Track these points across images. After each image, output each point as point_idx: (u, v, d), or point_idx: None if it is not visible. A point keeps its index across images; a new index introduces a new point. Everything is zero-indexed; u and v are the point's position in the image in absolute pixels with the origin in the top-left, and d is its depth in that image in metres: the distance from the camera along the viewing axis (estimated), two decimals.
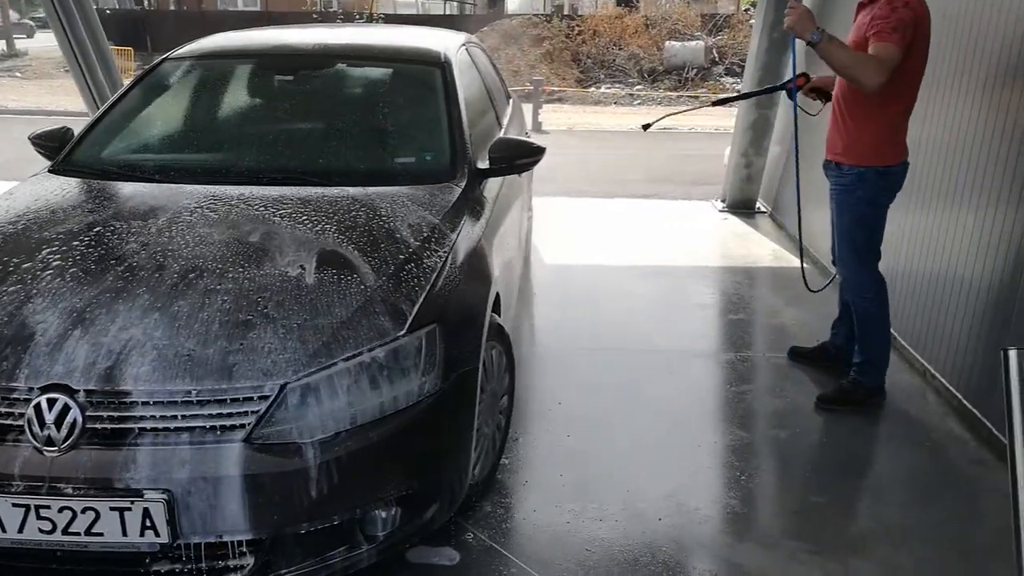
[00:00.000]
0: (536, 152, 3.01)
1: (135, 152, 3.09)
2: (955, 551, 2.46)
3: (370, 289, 2.14)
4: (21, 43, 23.86)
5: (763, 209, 6.51)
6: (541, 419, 3.19)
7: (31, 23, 30.84)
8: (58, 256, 2.21)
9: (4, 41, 24.21)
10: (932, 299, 3.45)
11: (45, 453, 1.84)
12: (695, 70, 17.85)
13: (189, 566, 1.90)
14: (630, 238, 5.85)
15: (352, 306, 2.08)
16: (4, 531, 1.85)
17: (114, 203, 2.62)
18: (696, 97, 16.78)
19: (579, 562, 2.36)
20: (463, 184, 2.79)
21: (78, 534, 1.85)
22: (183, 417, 1.87)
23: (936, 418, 3.21)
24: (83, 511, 1.84)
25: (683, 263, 5.26)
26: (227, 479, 1.86)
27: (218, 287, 2.08)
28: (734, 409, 3.31)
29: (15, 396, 1.88)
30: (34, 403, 1.86)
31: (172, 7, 27.66)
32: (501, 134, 3.71)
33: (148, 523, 1.85)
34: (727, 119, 11.72)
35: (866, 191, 3.03)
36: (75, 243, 2.29)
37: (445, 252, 2.38)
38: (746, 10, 19.48)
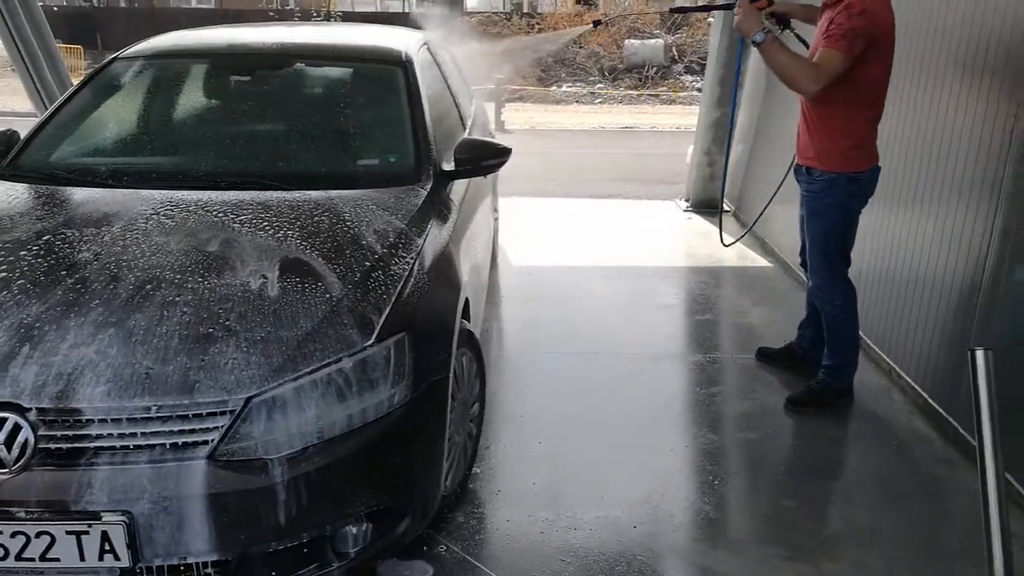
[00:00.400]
0: (502, 153, 2.97)
1: (86, 156, 2.97)
2: (924, 551, 2.47)
3: (335, 298, 2.08)
4: None
5: (727, 208, 6.54)
6: (511, 425, 3.14)
7: None
8: (4, 267, 2.11)
9: None
10: (897, 299, 3.48)
11: None
12: (655, 68, 17.96)
13: None
14: (595, 238, 5.83)
15: (317, 316, 2.01)
16: None
17: (64, 210, 2.51)
18: (657, 96, 16.90)
19: (554, 572, 2.32)
20: (428, 187, 2.74)
21: (32, 560, 1.77)
22: (142, 435, 1.79)
23: (903, 417, 3.24)
24: (37, 535, 1.76)
25: (649, 263, 5.26)
26: (190, 498, 1.78)
27: (177, 299, 2.00)
28: (704, 412, 3.30)
29: None
30: None
31: (123, 4, 26.98)
32: (466, 134, 3.65)
33: (107, 547, 1.77)
34: (689, 118, 11.82)
35: (837, 197, 3.02)
36: (23, 253, 2.18)
37: (412, 258, 2.33)
38: None
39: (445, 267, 2.50)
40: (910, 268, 3.39)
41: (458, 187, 3.00)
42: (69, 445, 1.78)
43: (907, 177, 3.45)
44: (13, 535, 1.75)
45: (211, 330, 1.92)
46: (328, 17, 19.78)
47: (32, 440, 1.76)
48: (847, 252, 3.14)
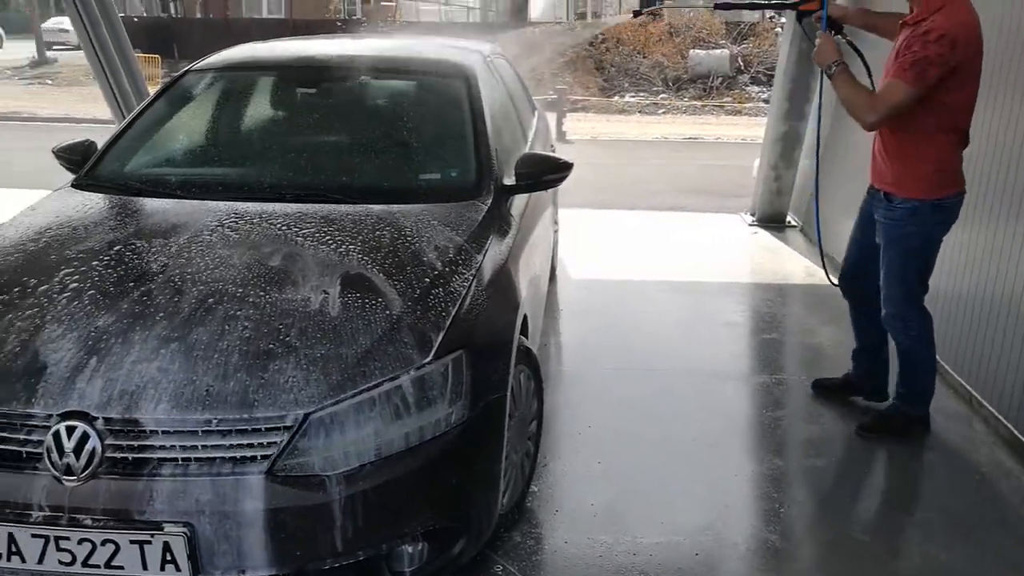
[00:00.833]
0: (563, 168, 2.93)
1: (157, 166, 3.04)
2: None
3: (395, 315, 2.07)
4: (51, 51, 24.09)
5: (794, 223, 6.38)
6: (571, 443, 3.09)
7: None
8: (76, 277, 2.16)
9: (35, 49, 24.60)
10: (978, 321, 3.31)
11: (64, 483, 1.78)
12: (720, 79, 17.69)
13: None
14: (657, 252, 5.74)
15: (376, 333, 2.00)
16: (24, 561, 1.81)
17: (135, 220, 2.57)
18: (722, 107, 16.64)
19: None
20: (489, 202, 2.71)
21: (98, 567, 1.80)
22: (203, 447, 1.81)
23: (984, 449, 3.08)
24: (103, 543, 1.78)
25: (712, 278, 5.14)
26: (249, 513, 1.79)
27: (238, 313, 2.01)
28: (769, 435, 3.19)
29: (33, 423, 1.83)
30: (53, 430, 1.80)
31: (199, 15, 27.92)
32: (527, 148, 3.63)
33: (168, 557, 1.79)
34: (755, 129, 11.60)
35: (920, 225, 2.86)
36: (95, 263, 2.23)
37: (471, 274, 2.30)
38: (771, 18, 19.30)
39: (504, 283, 2.47)
40: (991, 288, 3.22)
41: (518, 201, 2.97)
42: (134, 455, 1.80)
43: (986, 191, 3.28)
44: (80, 542, 1.78)
45: (271, 346, 1.93)
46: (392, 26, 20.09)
47: (99, 449, 1.79)
48: (926, 280, 2.97)
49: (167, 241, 2.37)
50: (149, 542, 1.78)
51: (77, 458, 1.78)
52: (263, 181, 2.82)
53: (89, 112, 14.40)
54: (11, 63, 24.64)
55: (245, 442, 1.82)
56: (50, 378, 1.85)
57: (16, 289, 2.14)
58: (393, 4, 25.70)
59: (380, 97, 3.41)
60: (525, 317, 2.60)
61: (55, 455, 1.78)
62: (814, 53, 2.97)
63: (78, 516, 1.77)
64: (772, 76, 10.51)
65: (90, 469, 1.78)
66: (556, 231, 4.98)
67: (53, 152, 3.07)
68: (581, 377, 3.72)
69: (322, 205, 2.62)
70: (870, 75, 3.00)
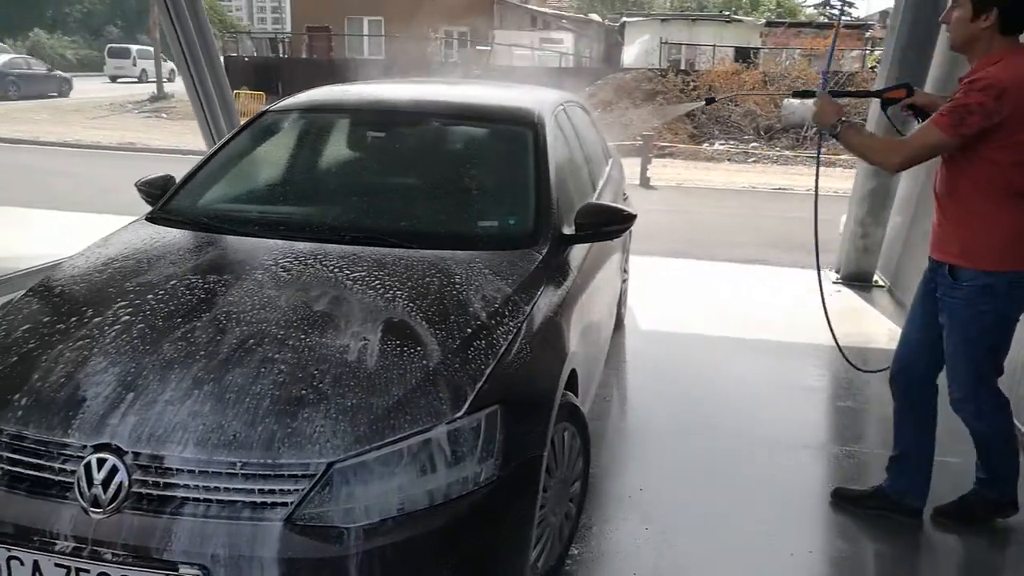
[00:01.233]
0: (626, 219, 2.85)
1: (225, 203, 3.12)
2: None
3: (431, 366, 2.02)
4: (169, 86, 25.68)
5: (881, 283, 6.07)
6: (620, 505, 2.96)
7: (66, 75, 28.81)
8: (130, 310, 2.21)
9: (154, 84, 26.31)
10: None
11: (91, 514, 1.80)
12: (814, 129, 17.24)
13: None
14: (733, 306, 5.55)
15: (410, 383, 1.96)
16: None
17: (195, 256, 2.63)
18: (814, 157, 16.19)
19: None
20: (544, 251, 2.66)
21: None
22: (225, 490, 1.79)
23: None
24: None
25: (790, 338, 4.91)
26: (264, 560, 1.76)
27: (276, 356, 2.01)
28: (836, 514, 2.97)
29: (68, 452, 1.86)
30: (85, 461, 1.83)
31: (304, 55, 29.29)
32: (594, 197, 3.56)
33: None
34: (849, 181, 11.20)
35: (995, 304, 2.53)
36: (149, 296, 2.28)
37: (516, 326, 2.24)
38: (872, 68, 18.78)
39: (551, 336, 2.40)
40: None
41: (577, 251, 2.90)
42: (159, 492, 1.81)
43: None
44: None
45: (304, 392, 1.91)
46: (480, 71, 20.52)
47: (127, 483, 1.80)
48: (1000, 362, 2.65)
49: (221, 278, 2.41)
50: None
51: (105, 491, 1.80)
52: (323, 222, 2.85)
53: (197, 144, 15.21)
54: (134, 97, 26.41)
55: (267, 487, 1.80)
56: (87, 410, 1.88)
57: (73, 319, 2.21)
58: (488, 49, 26.32)
59: (446, 143, 3.42)
60: (573, 372, 2.52)
61: (84, 485, 1.81)
62: (813, 116, 2.78)
63: (100, 549, 1.78)
64: None
65: (116, 503, 1.79)
66: (625, 280, 4.88)
67: (136, 186, 3.20)
68: (639, 435, 3.59)
69: (377, 248, 2.61)
70: None
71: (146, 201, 3.15)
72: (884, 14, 29.00)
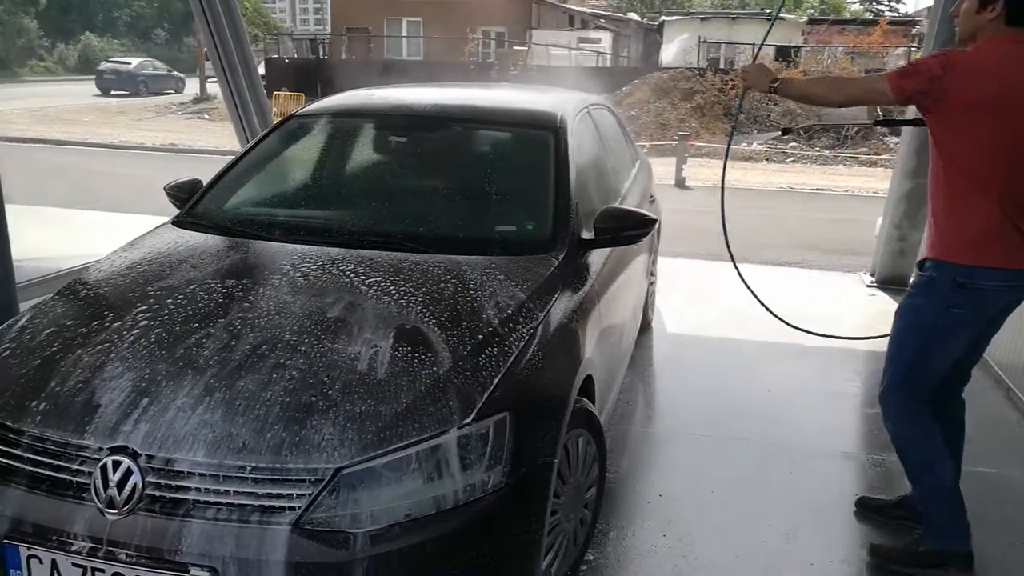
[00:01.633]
0: (646, 224, 2.83)
1: (249, 208, 3.16)
2: None
3: (441, 372, 2.03)
4: (212, 87, 26.16)
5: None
6: (639, 511, 2.94)
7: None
8: (149, 315, 2.25)
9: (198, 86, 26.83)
10: None
11: (106, 515, 1.84)
12: (856, 128, 16.92)
13: None
14: (764, 309, 5.45)
15: (419, 390, 1.97)
16: None
17: (215, 260, 2.67)
18: (855, 157, 15.89)
19: None
20: (562, 256, 2.65)
21: None
22: (235, 493, 1.82)
23: None
24: None
25: (822, 343, 4.79)
26: (271, 563, 1.78)
27: (288, 362, 2.03)
28: (860, 523, 2.91)
29: (85, 454, 1.90)
30: (101, 463, 1.87)
31: (343, 56, 29.58)
32: (619, 201, 3.54)
33: None
34: (885, 182, 10.96)
35: (928, 300, 2.45)
36: (168, 301, 2.32)
37: (528, 331, 2.23)
38: None
39: (566, 342, 2.39)
40: None
41: (597, 256, 2.89)
42: (171, 495, 1.84)
43: None
44: None
45: (314, 398, 1.93)
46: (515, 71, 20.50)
47: (140, 486, 1.84)
48: (926, 375, 2.50)
49: (239, 283, 2.44)
50: None
51: (119, 492, 1.84)
52: (343, 226, 2.88)
53: (234, 145, 15.45)
54: (177, 99, 26.96)
55: (276, 492, 1.82)
56: (104, 414, 1.93)
57: (95, 323, 2.26)
58: (525, 49, 26.31)
59: (468, 147, 3.42)
60: (589, 378, 2.50)
61: (100, 487, 1.85)
62: (747, 82, 2.81)
63: (114, 550, 1.82)
64: None
65: (130, 504, 1.83)
66: (652, 282, 4.83)
67: (165, 190, 3.26)
68: (662, 439, 3.56)
69: (394, 253, 2.63)
70: None
71: (174, 204, 3.21)
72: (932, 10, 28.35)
